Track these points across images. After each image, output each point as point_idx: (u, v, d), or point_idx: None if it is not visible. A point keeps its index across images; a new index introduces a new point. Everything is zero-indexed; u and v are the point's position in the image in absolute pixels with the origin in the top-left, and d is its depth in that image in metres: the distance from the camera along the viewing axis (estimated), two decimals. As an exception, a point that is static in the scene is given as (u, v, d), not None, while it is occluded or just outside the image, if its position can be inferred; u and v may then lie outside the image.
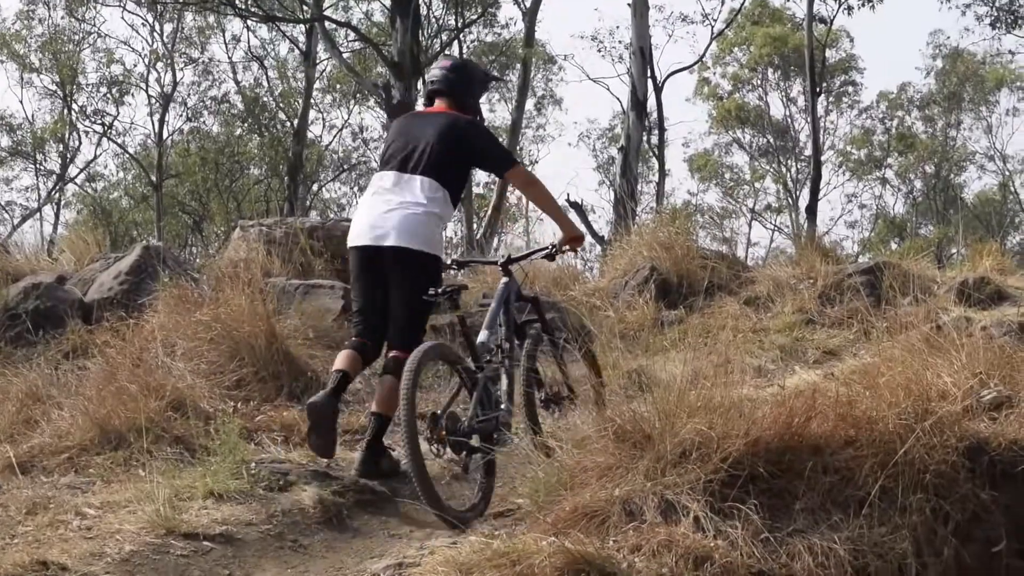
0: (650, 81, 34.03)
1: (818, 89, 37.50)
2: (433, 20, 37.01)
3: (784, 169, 51.56)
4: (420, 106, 10.05)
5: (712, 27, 39.93)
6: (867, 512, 6.07)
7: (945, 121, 51.88)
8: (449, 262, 8.43)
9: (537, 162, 52.01)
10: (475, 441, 7.26)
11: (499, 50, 42.44)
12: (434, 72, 8.30)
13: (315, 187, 46.98)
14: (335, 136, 47.33)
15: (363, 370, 8.18)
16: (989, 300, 11.24)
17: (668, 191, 49.82)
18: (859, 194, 53.73)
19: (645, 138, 36.95)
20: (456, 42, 39.56)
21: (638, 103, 29.15)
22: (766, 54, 47.90)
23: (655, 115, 38.01)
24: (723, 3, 39.78)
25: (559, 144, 74.82)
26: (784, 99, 50.75)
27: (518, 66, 37.78)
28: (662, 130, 38.76)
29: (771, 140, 51.80)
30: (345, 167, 47.87)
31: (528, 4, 36.03)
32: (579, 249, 8.71)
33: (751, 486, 6.09)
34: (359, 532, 7.16)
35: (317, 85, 44.01)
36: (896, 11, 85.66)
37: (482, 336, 7.75)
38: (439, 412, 7.18)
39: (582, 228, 7.53)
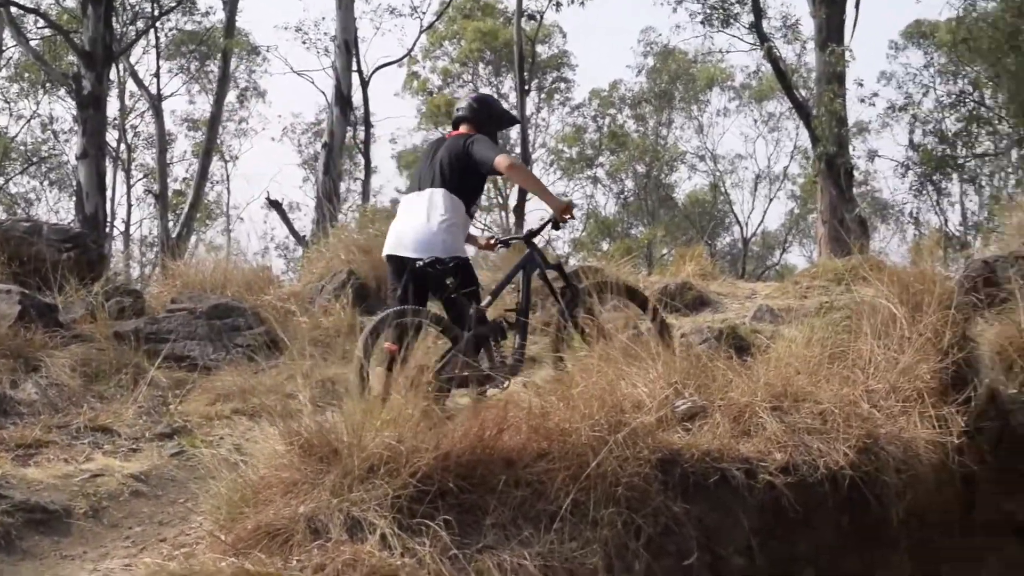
0: (356, 75, 33.92)
1: (528, 87, 37.98)
2: (128, 7, 36.06)
3: (490, 168, 51.89)
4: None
5: (421, 20, 40.09)
6: (558, 526, 6.23)
7: (657, 120, 53.14)
8: (494, 241, 10.05)
9: (238, 157, 51.47)
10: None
11: (199, 39, 41.73)
12: (461, 103, 9.64)
13: (1, 180, 45.42)
14: (23, 127, 45.81)
15: None
16: (691, 306, 11.56)
17: (376, 188, 49.98)
18: (570, 193, 54.63)
19: (351, 134, 36.84)
20: (152, 31, 38.71)
21: (343, 98, 29.03)
22: (477, 49, 48.23)
23: (362, 110, 37.86)
24: (432, -4, 39.98)
25: (263, 138, 73.84)
26: (495, 94, 51.14)
27: (219, 56, 37.14)
28: (368, 126, 38.64)
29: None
30: (34, 160, 46.38)
31: (229, -7, 35.44)
32: (572, 216, 9.63)
33: (441, 501, 6.18)
34: (28, 554, 6.83)
35: (3, 73, 42.56)
36: (609, 7, 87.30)
37: (484, 301, 8.98)
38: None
39: (565, 199, 9.29)
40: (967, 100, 36.20)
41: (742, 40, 32.85)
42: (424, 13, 39.98)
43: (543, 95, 51.67)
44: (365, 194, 39.02)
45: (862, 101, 32.69)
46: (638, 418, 6.90)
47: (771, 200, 51.99)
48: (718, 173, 53.26)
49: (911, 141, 34.17)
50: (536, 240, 9.57)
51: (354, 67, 32.25)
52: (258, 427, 7.71)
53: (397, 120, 78.29)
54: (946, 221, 41.62)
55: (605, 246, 52.39)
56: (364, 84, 36.36)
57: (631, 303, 9.66)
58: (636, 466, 6.59)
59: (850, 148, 30.25)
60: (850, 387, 7.63)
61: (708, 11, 31.86)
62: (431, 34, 46.31)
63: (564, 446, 6.57)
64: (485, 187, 9.78)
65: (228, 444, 7.85)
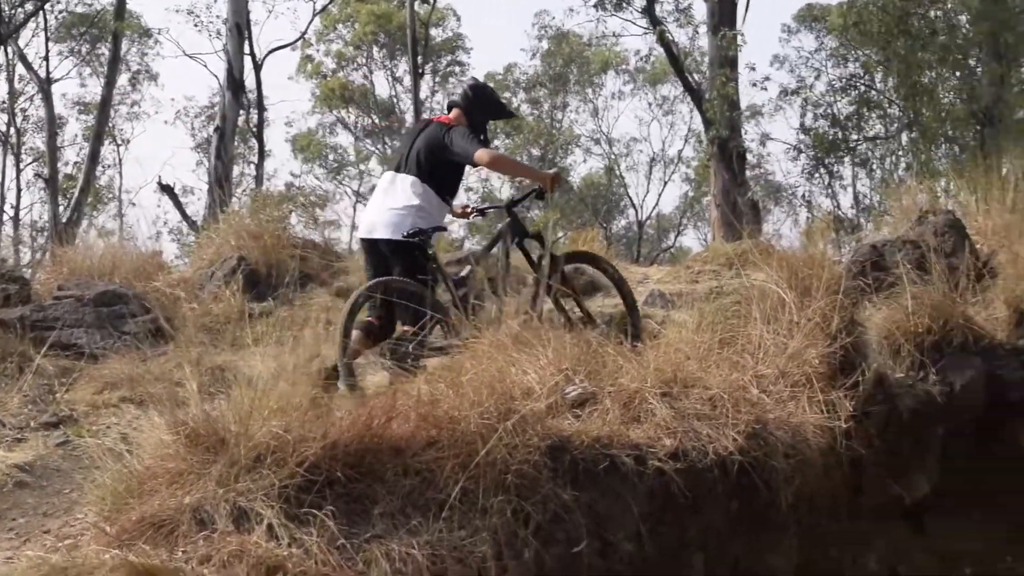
0: (249, 58, 33.63)
1: (422, 70, 37.87)
2: (17, -12, 35.47)
3: (390, 151, 51.83)
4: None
5: (314, 3, 39.75)
6: (447, 515, 6.22)
7: (551, 103, 53.14)
8: (470, 209, 10.47)
9: (130, 141, 50.80)
10: None
11: (90, 21, 41.08)
12: (456, 87, 10.93)
13: None
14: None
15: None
16: (584, 291, 11.51)
17: (270, 172, 49.59)
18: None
19: (244, 117, 36.52)
20: (42, 13, 38.08)
21: (234, 82, 28.71)
22: (371, 32, 47.96)
23: (255, 94, 37.54)
24: (326, -22, 39.65)
25: (155, 121, 73.23)
26: (390, 78, 51.02)
27: (110, 39, 36.60)
28: (262, 109, 38.38)
29: (377, 120, 51.97)
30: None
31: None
32: (561, 185, 10.62)
33: (329, 491, 6.14)
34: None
35: None
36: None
37: (464, 270, 9.63)
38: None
39: (551, 171, 9.86)
40: (858, 84, 36.57)
41: (635, 24, 32.97)
42: (317, -4, 39.69)
43: (438, 78, 51.55)
44: (259, 178, 38.75)
45: (754, 85, 32.85)
46: (528, 405, 6.88)
47: (666, 183, 52.29)
48: (613, 156, 53.41)
49: (803, 125, 34.49)
50: (517, 209, 9.98)
51: (247, 50, 31.98)
52: (145, 416, 7.58)
53: (292, 103, 77.81)
54: (838, 204, 42.07)
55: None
56: (257, 67, 36.07)
57: (599, 271, 10.22)
58: (525, 453, 6.58)
59: (743, 132, 30.49)
60: (739, 372, 7.68)
61: (602, -8, 31.94)
62: (325, 17, 46.03)
63: (453, 434, 6.54)
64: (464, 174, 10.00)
65: (115, 433, 7.70)
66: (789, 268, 8.24)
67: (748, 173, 32.33)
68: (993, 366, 8.32)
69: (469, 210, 10.55)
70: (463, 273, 9.64)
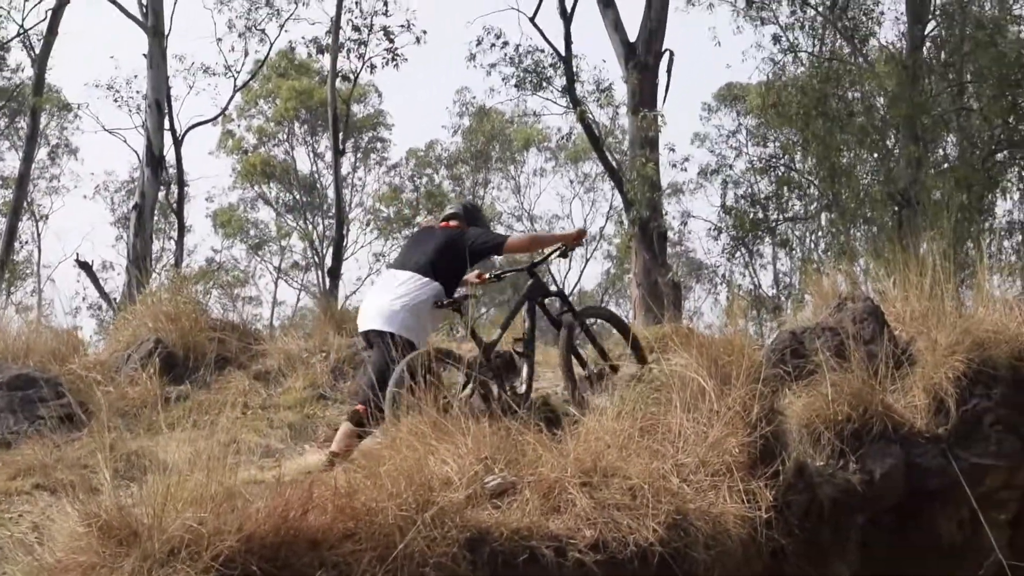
0: (169, 134, 33.51)
1: (342, 148, 37.89)
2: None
3: (311, 226, 51.77)
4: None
5: (235, 79, 39.62)
6: (362, 611, 6.06)
7: (473, 180, 53.28)
8: (488, 275, 11.09)
9: (48, 216, 50.43)
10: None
11: (8, 95, 40.79)
12: (454, 204, 11.00)
13: None
14: None
15: None
16: (509, 368, 11.47)
17: (191, 247, 49.22)
18: (387, 253, 54.54)
19: (164, 193, 36.32)
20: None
21: (154, 158, 28.61)
22: (292, 108, 48.05)
23: (176, 169, 37.31)
24: (246, 55, 39.53)
25: (75, 196, 72.58)
26: (311, 154, 51.04)
27: (28, 113, 36.38)
28: (182, 185, 38.06)
29: (298, 196, 51.92)
30: None
31: (38, 51, 34.70)
32: (582, 241, 11.31)
33: (244, 586, 5.97)
34: None
35: None
36: (425, 67, 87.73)
37: (494, 336, 10.30)
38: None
39: (575, 230, 11.03)
40: (778, 164, 36.92)
41: (556, 103, 33.18)
42: (238, 72, 39.53)
43: (360, 154, 51.63)
44: (179, 254, 38.41)
45: (674, 166, 33.17)
46: (447, 496, 6.83)
47: (587, 260, 52.57)
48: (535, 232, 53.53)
49: (723, 204, 34.72)
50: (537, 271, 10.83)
51: (167, 126, 31.86)
52: (58, 505, 7.47)
53: (212, 179, 77.34)
54: (758, 283, 42.37)
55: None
56: (177, 143, 35.85)
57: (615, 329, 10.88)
58: (444, 546, 6.52)
59: (664, 211, 30.65)
60: (660, 461, 7.65)
61: (522, 74, 32.10)
62: (246, 92, 45.97)
63: (371, 526, 6.47)
64: None
65: (27, 523, 7.58)
66: (709, 355, 8.24)
67: (669, 251, 32.52)
68: (912, 454, 8.35)
69: (487, 276, 11.14)
70: (493, 338, 10.28)
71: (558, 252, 10.68)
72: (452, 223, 10.56)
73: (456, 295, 10.21)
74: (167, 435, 9.62)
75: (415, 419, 7.80)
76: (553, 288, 11.30)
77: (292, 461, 9.57)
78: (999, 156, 33.73)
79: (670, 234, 34.19)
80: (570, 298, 11.33)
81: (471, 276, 10.89)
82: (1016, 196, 34.65)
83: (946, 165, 32.63)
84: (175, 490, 6.34)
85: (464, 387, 9.76)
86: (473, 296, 11.05)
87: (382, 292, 10.05)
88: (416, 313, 9.84)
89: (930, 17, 33.01)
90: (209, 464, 6.64)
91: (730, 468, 7.64)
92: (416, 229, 11.62)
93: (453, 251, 10.12)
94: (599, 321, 11.76)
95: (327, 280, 38.98)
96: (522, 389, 9.77)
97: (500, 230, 54.59)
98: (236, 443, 8.92)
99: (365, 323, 10.03)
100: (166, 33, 30.34)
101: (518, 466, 7.43)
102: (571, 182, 52.67)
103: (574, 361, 10.32)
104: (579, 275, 55.60)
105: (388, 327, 9.74)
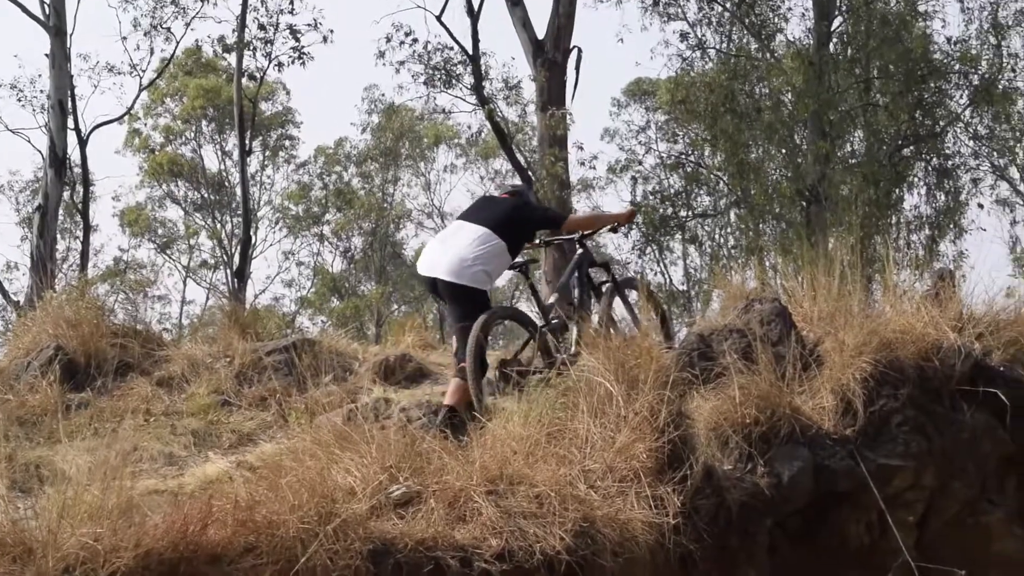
0: (74, 133, 33.13)
1: (250, 147, 37.64)
2: None
3: (220, 225, 51.39)
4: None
5: (141, 78, 39.15)
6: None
7: (383, 177, 53.13)
8: (538, 241, 11.59)
9: (-50, 216, 49.74)
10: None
11: (-91, 91, 40.20)
12: (509, 184, 12.04)
13: None
14: None
15: None
16: (411, 378, 11.41)
17: (97, 247, 48.69)
18: (297, 251, 54.30)
19: (68, 194, 35.89)
20: None
21: (57, 159, 28.23)
22: (199, 106, 47.68)
23: (81, 168, 36.85)
24: (152, 53, 39.04)
25: (-22, 196, 71.46)
26: (219, 152, 50.65)
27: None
28: (87, 185, 37.58)
29: (206, 195, 51.51)
30: None
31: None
32: (635, 221, 13.21)
33: (141, 604, 5.85)
34: None
35: None
36: (333, 64, 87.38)
37: (551, 298, 10.99)
38: (508, 359, 10.36)
39: (626, 210, 12.31)
40: (687, 160, 37.09)
41: (465, 100, 33.10)
42: (144, 71, 39.08)
43: (268, 152, 51.31)
44: (84, 254, 38.01)
45: (582, 164, 33.16)
46: (350, 507, 6.73)
47: (497, 257, 52.41)
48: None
49: (633, 200, 34.83)
50: (588, 242, 11.52)
51: (71, 125, 31.48)
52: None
53: (119, 178, 76.39)
54: (669, 279, 42.54)
55: (335, 302, 52.26)
56: (82, 142, 35.46)
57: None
58: (347, 558, 6.43)
59: (574, 208, 30.62)
60: (567, 467, 7.58)
61: (431, 71, 31.99)
62: (152, 91, 45.53)
63: (272, 540, 6.37)
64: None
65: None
66: (616, 359, 8.18)
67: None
68: (820, 456, 8.34)
69: (538, 242, 11.76)
70: (550, 300, 10.97)
71: (608, 228, 11.61)
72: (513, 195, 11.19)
73: (520, 259, 11.11)
74: (67, 444, 9.44)
75: (318, 429, 7.71)
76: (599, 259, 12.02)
77: (195, 469, 9.41)
78: (905, 151, 34.11)
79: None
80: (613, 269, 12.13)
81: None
82: (923, 190, 35.03)
83: (853, 161, 32.91)
84: (72, 504, 6.20)
85: (524, 346, 10.67)
86: (534, 260, 12.11)
87: (454, 242, 10.46)
88: (486, 267, 10.32)
89: (836, 13, 33.32)
90: (108, 475, 6.50)
91: (638, 474, 7.59)
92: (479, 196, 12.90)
93: (519, 218, 10.69)
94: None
95: (234, 281, 38.65)
96: (572, 350, 10.00)
97: (409, 227, 54.63)
98: (138, 451, 8.75)
99: (434, 271, 10.37)
100: (69, 32, 30.00)
101: (423, 475, 7.34)
102: (482, 178, 52.60)
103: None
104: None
105: (460, 280, 10.18)
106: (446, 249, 10.40)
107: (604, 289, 11.17)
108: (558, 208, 11.77)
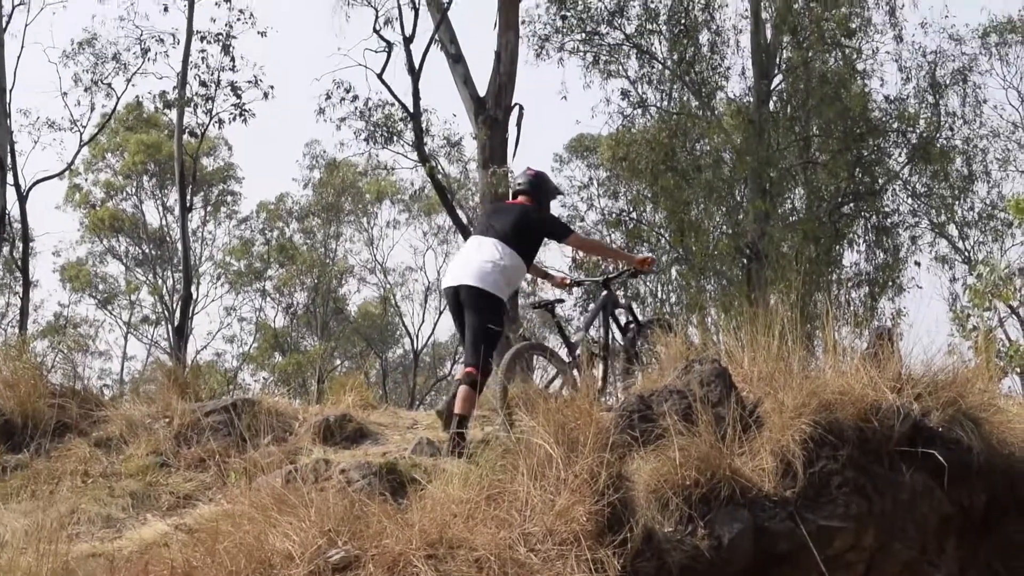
0: (13, 189, 32.92)
1: (190, 203, 37.52)
2: None
3: (161, 280, 51.19)
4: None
5: (82, 133, 39.02)
6: None
7: (325, 232, 53.10)
8: (568, 281, 12.82)
9: None
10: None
11: None
12: (520, 177, 11.95)
13: None
14: None
15: None
16: (351, 439, 11.33)
17: (38, 302, 48.33)
18: (239, 307, 54.13)
19: (8, 250, 35.66)
20: None
21: (-4, 216, 28.08)
22: (140, 161, 47.58)
23: (20, 224, 36.62)
24: (92, 109, 38.94)
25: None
26: (161, 208, 50.49)
27: None
28: (27, 240, 37.32)
29: (148, 250, 51.32)
30: None
31: None
32: (653, 268, 13.19)
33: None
34: None
35: None
36: (275, 120, 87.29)
37: (576, 336, 11.64)
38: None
39: (641, 255, 13.15)
40: (628, 216, 37.22)
41: (407, 157, 33.14)
42: (85, 126, 38.97)
43: (210, 208, 51.20)
44: (23, 313, 37.68)
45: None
46: (288, 572, 6.67)
47: (441, 312, 52.56)
48: (388, 286, 53.57)
49: (574, 258, 34.94)
50: (612, 284, 12.20)
51: (11, 181, 31.30)
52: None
53: (59, 234, 76.00)
54: (613, 336, 42.47)
55: (278, 358, 52.07)
56: (22, 199, 35.27)
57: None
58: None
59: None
60: (507, 530, 7.52)
61: (372, 128, 31.99)
62: (93, 146, 45.40)
63: (207, 606, 6.29)
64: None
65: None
66: (556, 420, 8.15)
67: (523, 301, 32.54)
68: (760, 518, 8.31)
69: (568, 282, 12.90)
70: (575, 338, 11.63)
71: (629, 273, 12.42)
72: (519, 199, 11.70)
73: (551, 299, 12.44)
74: (3, 507, 9.33)
75: (256, 491, 7.64)
76: (623, 302, 12.66)
77: (133, 532, 9.30)
78: (845, 209, 34.39)
79: (525, 286, 34.21)
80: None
81: (557, 278, 12.84)
82: (862, 248, 35.32)
83: (793, 218, 33.14)
84: (7, 569, 6.12)
85: (552, 380, 11.22)
86: (561, 300, 13.09)
87: (474, 253, 11.15)
88: (505, 275, 11.03)
89: (776, 72, 33.63)
90: (44, 539, 6.42)
91: (578, 537, 7.54)
92: (491, 204, 13.42)
93: (526, 227, 11.30)
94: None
95: (175, 337, 38.41)
96: (598, 386, 10.84)
97: (352, 283, 54.61)
98: (75, 513, 8.64)
99: (456, 280, 11.09)
100: (8, 88, 29.96)
101: (362, 538, 7.27)
102: (424, 234, 52.70)
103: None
104: (433, 327, 55.63)
105: (481, 284, 10.89)
106: (469, 262, 11.09)
107: (629, 329, 11.78)
108: (564, 224, 12.44)
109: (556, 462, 7.90)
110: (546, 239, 11.91)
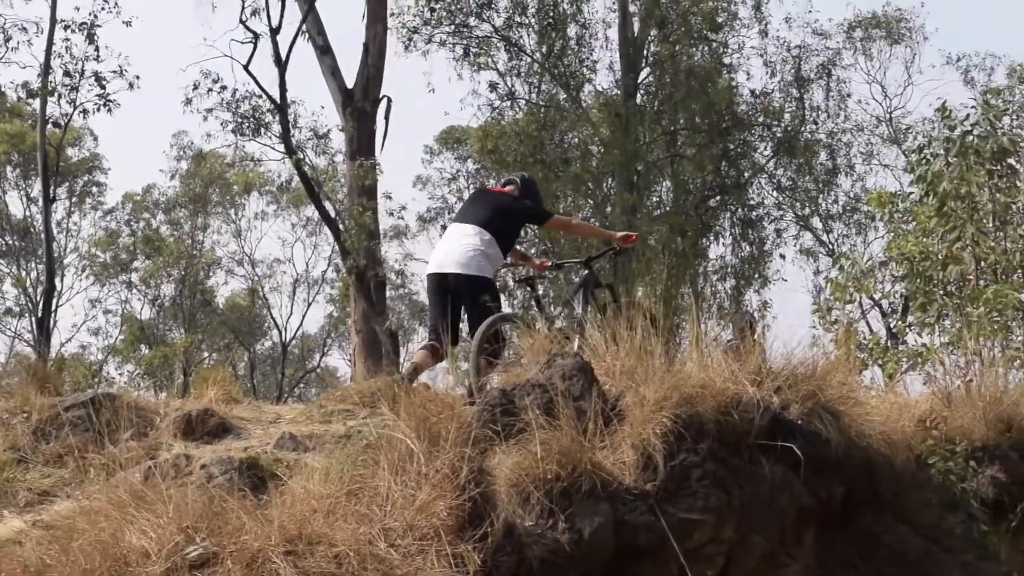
0: None
1: (54, 195, 36.89)
2: None
3: (24, 272, 50.31)
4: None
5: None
6: None
7: (192, 224, 52.54)
8: (550, 263, 13.33)
9: None
10: None
11: None
12: (514, 175, 12.68)
13: None
14: None
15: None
16: (213, 433, 11.17)
17: None
18: (104, 299, 53.37)
19: None
20: None
21: None
22: (3, 151, 46.67)
23: None
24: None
25: None
26: (25, 199, 49.63)
27: None
28: None
29: (11, 241, 50.44)
30: None
31: None
32: (634, 244, 13.56)
33: None
34: None
35: None
36: (142, 111, 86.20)
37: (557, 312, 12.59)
38: None
39: (622, 232, 13.36)
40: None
41: (274, 148, 32.84)
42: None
43: (74, 199, 50.42)
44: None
45: (391, 214, 33.06)
46: (144, 569, 6.56)
47: (310, 304, 52.55)
48: (256, 277, 53.18)
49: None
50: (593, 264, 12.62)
51: None
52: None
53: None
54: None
55: (144, 350, 51.45)
56: None
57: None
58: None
59: (383, 258, 30.54)
60: (367, 526, 7.49)
61: (239, 120, 31.67)
62: (-51, 136, 44.55)
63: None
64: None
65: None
66: (418, 415, 8.13)
67: (393, 294, 32.54)
68: (621, 511, 8.35)
69: (548, 264, 13.35)
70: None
71: (611, 251, 12.75)
72: (508, 188, 12.38)
73: (529, 274, 12.97)
74: None
75: (114, 488, 7.52)
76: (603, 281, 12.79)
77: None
78: (711, 202, 34.72)
79: (393, 277, 34.13)
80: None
81: (535, 261, 13.41)
82: (729, 241, 35.70)
83: (660, 211, 33.40)
84: None
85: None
86: (540, 277, 13.43)
87: (456, 241, 11.71)
88: (487, 258, 11.59)
89: (643, 65, 33.82)
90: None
91: (438, 532, 7.53)
92: (473, 191, 13.94)
93: (506, 213, 11.91)
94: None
95: (38, 330, 37.77)
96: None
97: (220, 275, 54.11)
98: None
99: (441, 267, 11.67)
100: None
101: (221, 535, 7.19)
102: (293, 226, 52.34)
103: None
104: (301, 319, 55.32)
105: (466, 270, 11.47)
106: (451, 249, 11.65)
107: (610, 308, 11.75)
108: (543, 208, 12.85)
109: (418, 457, 7.89)
110: (527, 224, 12.95)
